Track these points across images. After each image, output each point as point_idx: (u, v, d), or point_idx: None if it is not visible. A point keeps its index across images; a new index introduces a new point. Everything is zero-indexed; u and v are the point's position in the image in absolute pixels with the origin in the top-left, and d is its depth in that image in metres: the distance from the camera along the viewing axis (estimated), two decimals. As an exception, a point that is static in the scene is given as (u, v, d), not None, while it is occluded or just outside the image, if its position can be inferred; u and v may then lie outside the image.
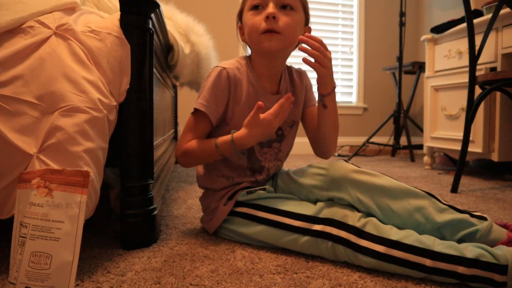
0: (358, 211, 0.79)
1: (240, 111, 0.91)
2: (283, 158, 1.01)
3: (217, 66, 0.91)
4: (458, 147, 1.92)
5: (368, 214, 0.79)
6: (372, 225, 0.74)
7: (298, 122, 1.02)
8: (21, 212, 0.59)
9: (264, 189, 0.90)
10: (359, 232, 0.73)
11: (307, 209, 0.82)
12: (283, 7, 0.87)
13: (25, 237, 0.55)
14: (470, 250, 0.67)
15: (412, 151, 2.84)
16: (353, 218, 0.75)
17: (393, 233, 0.72)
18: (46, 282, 0.54)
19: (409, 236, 0.71)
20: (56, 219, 0.56)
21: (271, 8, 0.85)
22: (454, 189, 1.58)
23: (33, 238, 0.55)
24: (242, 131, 0.84)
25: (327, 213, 0.78)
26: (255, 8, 0.88)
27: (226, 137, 0.85)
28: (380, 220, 0.77)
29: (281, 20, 0.86)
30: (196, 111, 0.89)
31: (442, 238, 0.76)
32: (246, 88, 0.92)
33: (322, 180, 0.85)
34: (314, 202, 0.86)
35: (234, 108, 0.91)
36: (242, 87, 0.92)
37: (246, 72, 0.93)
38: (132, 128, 0.84)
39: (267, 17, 0.85)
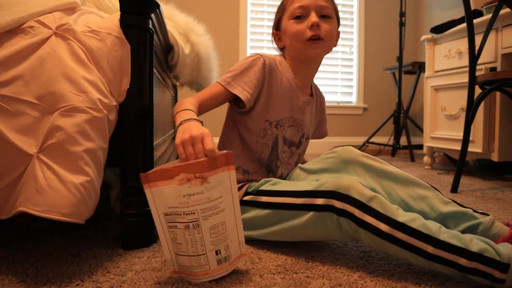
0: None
1: (270, 102, 0.96)
2: (292, 163, 1.05)
3: (255, 53, 0.96)
4: (458, 147, 1.93)
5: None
6: (379, 202, 0.72)
7: (310, 138, 1.12)
8: (161, 205, 0.66)
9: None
10: (363, 207, 0.72)
11: (310, 185, 0.81)
12: (323, 16, 0.95)
13: (196, 221, 0.65)
14: (474, 243, 0.66)
15: (412, 151, 2.84)
16: (358, 191, 0.73)
17: (400, 215, 0.70)
18: (228, 239, 0.69)
19: (416, 220, 0.69)
20: (216, 197, 0.66)
21: (314, 17, 0.93)
22: (454, 189, 1.59)
23: (207, 218, 0.66)
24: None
25: (330, 186, 0.76)
26: (297, 17, 0.95)
27: (185, 114, 0.77)
28: None
29: (323, 27, 0.94)
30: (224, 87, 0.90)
31: None
32: (281, 81, 0.97)
33: (331, 163, 0.89)
34: None
35: (266, 97, 0.95)
36: (277, 78, 0.96)
37: (283, 67, 0.99)
38: (132, 128, 0.84)
39: (312, 25, 0.92)
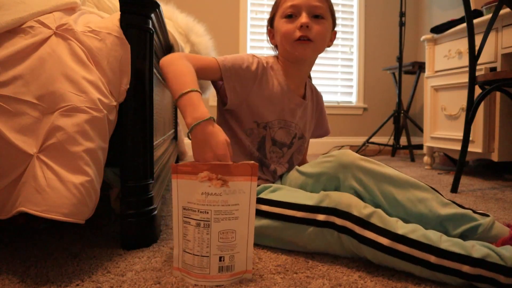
0: (363, 201, 0.79)
1: (259, 104, 0.95)
2: (284, 163, 1.04)
3: (251, 54, 0.97)
4: (458, 147, 1.92)
5: (373, 203, 0.79)
6: (378, 217, 0.72)
7: (306, 138, 1.09)
8: (182, 198, 0.68)
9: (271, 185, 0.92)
10: (363, 223, 0.72)
11: (310, 199, 0.81)
12: (315, 17, 0.93)
13: (207, 221, 0.67)
14: (476, 249, 0.66)
15: (412, 151, 2.84)
16: (358, 208, 0.74)
17: (399, 227, 0.70)
18: (235, 249, 0.68)
19: (416, 231, 0.69)
20: (233, 203, 0.67)
21: (304, 18, 0.91)
22: (454, 189, 1.59)
23: (218, 220, 0.67)
24: (196, 136, 0.72)
25: (330, 202, 0.77)
26: (289, 16, 0.94)
27: (193, 105, 0.73)
28: (384, 209, 0.77)
29: (314, 28, 0.92)
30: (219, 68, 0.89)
31: (445, 231, 0.76)
32: (272, 84, 0.97)
33: (329, 167, 0.87)
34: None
35: (255, 100, 0.94)
36: (268, 82, 0.96)
37: (274, 69, 0.99)
38: (132, 128, 0.84)
39: (301, 26, 0.91)
